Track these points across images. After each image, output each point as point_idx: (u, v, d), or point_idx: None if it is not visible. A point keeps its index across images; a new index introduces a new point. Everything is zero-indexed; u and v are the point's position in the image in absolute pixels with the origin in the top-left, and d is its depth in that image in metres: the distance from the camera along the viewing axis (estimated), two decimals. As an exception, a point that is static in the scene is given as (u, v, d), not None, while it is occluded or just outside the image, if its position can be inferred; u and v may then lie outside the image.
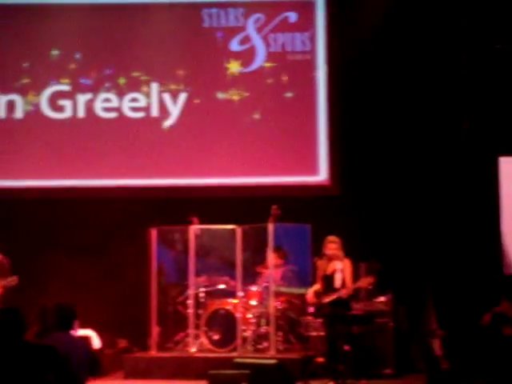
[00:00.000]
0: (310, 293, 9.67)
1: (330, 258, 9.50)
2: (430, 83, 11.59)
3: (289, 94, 12.11)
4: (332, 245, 9.49)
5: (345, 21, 11.95)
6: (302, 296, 10.32)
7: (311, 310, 9.89)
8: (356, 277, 9.61)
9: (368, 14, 11.69)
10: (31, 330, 6.30)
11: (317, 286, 9.63)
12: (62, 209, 12.17)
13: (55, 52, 12.33)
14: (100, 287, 11.61)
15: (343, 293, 9.23)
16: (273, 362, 8.66)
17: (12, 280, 9.88)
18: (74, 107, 12.34)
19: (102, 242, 11.87)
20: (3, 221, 11.78)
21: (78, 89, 12.35)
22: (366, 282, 9.44)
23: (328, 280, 9.46)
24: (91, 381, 6.85)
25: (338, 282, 9.34)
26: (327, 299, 9.34)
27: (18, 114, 12.35)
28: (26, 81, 12.33)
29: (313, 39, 12.11)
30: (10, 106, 12.35)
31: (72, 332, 6.56)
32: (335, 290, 9.30)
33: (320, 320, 9.91)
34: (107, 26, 12.47)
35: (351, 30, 11.85)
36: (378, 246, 11.10)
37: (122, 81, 12.32)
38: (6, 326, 5.21)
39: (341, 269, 9.40)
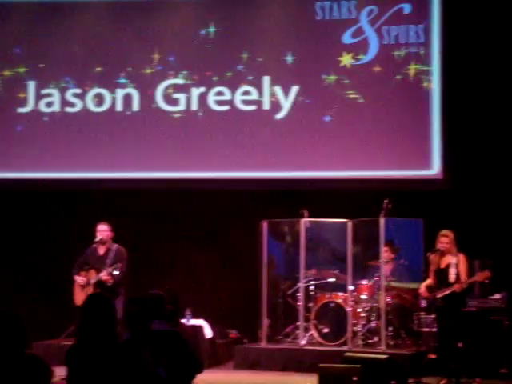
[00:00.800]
0: (423, 287, 9.61)
1: (443, 253, 9.43)
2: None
3: (402, 88, 11.95)
4: (445, 239, 9.41)
5: (461, 12, 11.70)
6: (414, 291, 10.30)
7: (423, 304, 9.78)
8: (470, 273, 9.45)
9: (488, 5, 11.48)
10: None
11: (429, 281, 9.58)
12: (180, 200, 12.29)
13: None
14: (213, 278, 11.80)
15: (457, 287, 9.09)
16: (384, 356, 8.68)
17: (115, 267, 10.18)
18: (188, 100, 12.45)
19: (216, 233, 12.04)
20: (128, 211, 12.02)
21: (192, 82, 12.45)
22: (482, 276, 9.28)
23: (441, 274, 9.38)
24: None
25: (451, 277, 9.22)
26: (440, 294, 9.26)
27: (135, 107, 12.54)
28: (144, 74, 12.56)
29: (427, 31, 11.93)
30: (128, 99, 12.55)
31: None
32: (449, 285, 9.19)
33: (432, 315, 9.81)
34: (222, 22, 12.52)
35: (468, 21, 11.63)
36: (491, 242, 10.87)
37: (233, 74, 12.36)
38: None
39: (455, 263, 9.30)
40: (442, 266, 9.39)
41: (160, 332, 5.76)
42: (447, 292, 9.18)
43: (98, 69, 12.61)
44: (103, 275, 10.19)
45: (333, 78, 12.10)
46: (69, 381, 4.93)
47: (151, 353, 5.49)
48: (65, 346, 7.36)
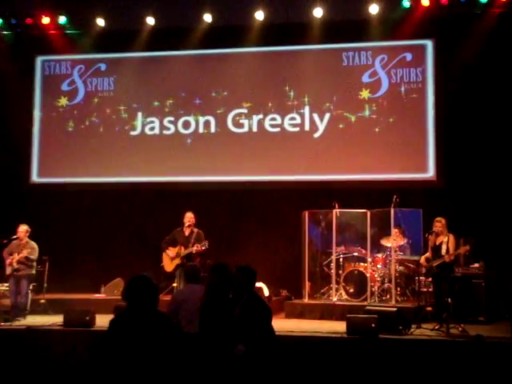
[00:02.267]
0: (423, 259, 9.58)
1: (437, 234, 9.41)
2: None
3: (405, 113, 11.94)
4: (438, 223, 9.39)
5: (449, 58, 11.71)
6: (415, 261, 10.21)
7: (423, 271, 9.78)
8: (457, 248, 9.51)
9: (467, 54, 11.43)
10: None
11: (427, 254, 9.54)
12: (243, 196, 12.39)
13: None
14: (271, 252, 11.68)
15: (447, 257, 9.12)
16: (394, 309, 8.75)
17: (203, 245, 10.11)
18: (250, 124, 12.54)
19: (272, 220, 11.98)
20: (209, 205, 12.04)
21: (253, 111, 12.54)
22: (463, 249, 9.22)
23: (436, 249, 9.37)
24: None
25: (443, 251, 9.23)
26: (435, 263, 9.26)
27: (212, 129, 12.68)
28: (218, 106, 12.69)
29: (424, 72, 11.92)
30: (207, 124, 12.68)
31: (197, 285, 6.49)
32: (441, 257, 9.25)
33: (429, 279, 9.86)
34: (268, 69, 12.60)
35: (454, 64, 11.63)
36: (473, 225, 10.75)
37: (283, 105, 12.41)
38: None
39: (446, 241, 9.30)
40: (437, 243, 9.36)
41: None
42: (440, 262, 9.15)
43: (185, 102, 12.71)
44: (195, 248, 10.07)
45: (355, 106, 12.14)
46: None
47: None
48: (165, 300, 7.40)
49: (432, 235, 9.46)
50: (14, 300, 10.08)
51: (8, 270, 10.12)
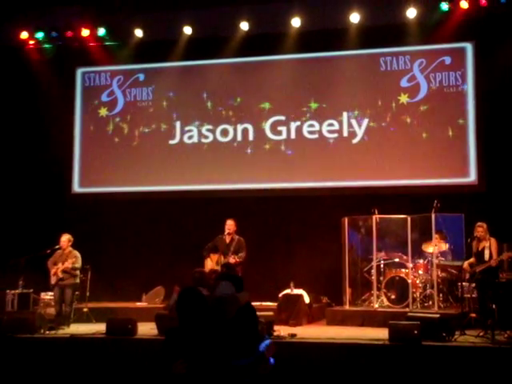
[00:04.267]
0: (466, 264, 9.48)
1: (479, 239, 9.33)
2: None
3: (445, 117, 11.81)
4: (480, 228, 9.32)
5: (489, 61, 11.57)
6: (457, 267, 10.02)
7: (467, 276, 9.64)
8: (500, 253, 9.37)
9: (508, 55, 11.26)
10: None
11: (471, 260, 9.45)
12: (290, 203, 12.34)
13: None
14: (311, 259, 11.55)
15: (493, 262, 9.00)
16: (437, 316, 8.68)
17: (240, 257, 10.17)
18: (288, 131, 12.56)
19: (313, 227, 11.90)
20: (250, 212, 12.07)
21: (290, 118, 12.55)
22: (507, 255, 9.09)
23: (479, 255, 9.28)
24: None
25: (486, 256, 9.14)
26: (479, 268, 9.16)
27: (250, 137, 12.70)
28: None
29: (463, 76, 11.80)
30: (246, 132, 12.74)
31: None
32: (485, 262, 9.10)
33: (473, 285, 9.70)
34: (306, 75, 12.58)
35: (494, 67, 11.47)
36: None
37: (321, 111, 12.38)
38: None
39: (488, 246, 9.20)
40: (479, 248, 9.28)
41: None
42: (484, 267, 9.07)
43: (223, 110, 12.79)
44: (231, 259, 10.11)
45: (394, 111, 12.07)
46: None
47: None
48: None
49: (474, 240, 9.36)
50: (59, 309, 10.28)
51: (53, 280, 10.30)
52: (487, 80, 11.59)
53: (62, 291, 10.27)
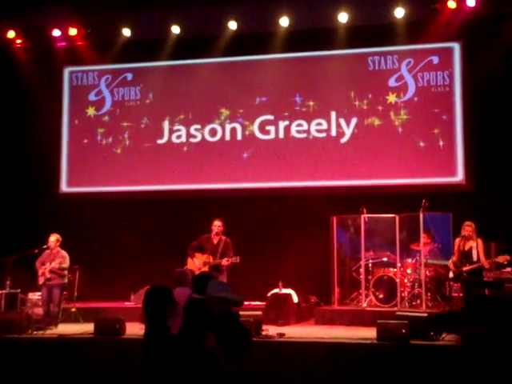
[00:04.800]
0: (450, 263, 9.53)
1: (467, 238, 9.37)
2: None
3: (432, 117, 11.83)
4: (468, 228, 9.38)
5: (477, 60, 11.61)
6: (446, 267, 10.10)
7: (451, 275, 9.67)
8: (487, 253, 9.41)
9: (496, 55, 11.30)
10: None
11: (454, 258, 9.48)
12: (277, 203, 12.31)
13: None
14: (299, 258, 11.57)
15: (486, 264, 9.05)
16: (425, 315, 8.67)
17: (235, 259, 10.08)
18: (277, 131, 12.54)
19: (301, 228, 11.82)
20: (238, 211, 12.08)
21: (279, 118, 12.54)
22: (503, 258, 9.15)
23: (465, 254, 9.31)
24: None
25: (475, 257, 9.19)
26: (467, 268, 9.19)
27: (239, 136, 12.69)
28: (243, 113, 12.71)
29: (451, 75, 11.84)
30: (234, 131, 12.71)
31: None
32: (472, 262, 9.12)
33: (458, 284, 9.74)
34: (294, 75, 12.58)
35: (482, 66, 11.51)
36: (503, 229, 10.59)
37: (309, 111, 12.39)
38: None
39: (475, 246, 9.24)
40: (466, 248, 9.33)
41: None
42: (474, 267, 9.11)
43: (211, 110, 12.74)
44: (224, 262, 10.00)
45: (381, 110, 12.07)
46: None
47: None
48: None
49: (461, 239, 9.40)
50: (47, 309, 10.22)
51: (41, 280, 10.26)
52: (475, 80, 11.63)
53: (50, 291, 10.21)
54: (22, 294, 10.92)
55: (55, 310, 10.25)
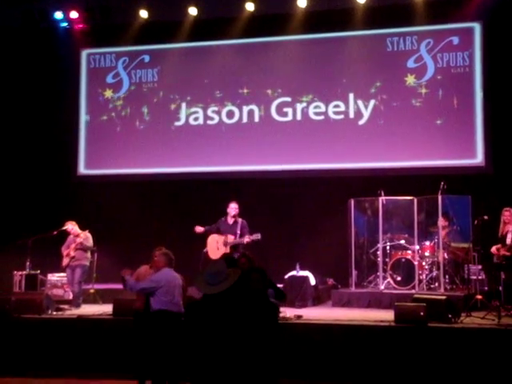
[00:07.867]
0: (494, 248, 9.46)
1: (505, 223, 9.43)
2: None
3: (452, 99, 11.73)
4: (507, 213, 9.44)
5: (497, 41, 11.48)
6: (464, 249, 10.07)
7: (496, 260, 9.54)
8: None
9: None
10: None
11: (498, 245, 9.47)
12: (295, 185, 12.26)
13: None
14: (317, 241, 11.56)
15: None
16: (443, 297, 8.59)
17: (256, 236, 9.98)
18: (294, 113, 12.53)
19: (319, 210, 11.82)
20: (255, 194, 12.08)
21: (296, 100, 12.51)
22: None
23: (501, 239, 9.34)
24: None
25: (508, 241, 9.22)
26: (503, 252, 9.22)
27: (256, 119, 12.67)
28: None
29: (471, 56, 11.70)
30: (251, 113, 12.69)
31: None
32: (506, 246, 9.12)
33: (479, 266, 9.69)
34: (311, 56, 12.53)
35: (502, 47, 11.40)
36: None
37: (327, 93, 12.33)
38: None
39: (511, 230, 9.25)
40: (503, 233, 9.38)
41: None
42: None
43: (229, 92, 12.73)
44: (246, 239, 9.86)
45: (400, 92, 11.98)
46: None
47: None
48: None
49: (502, 224, 9.42)
50: (73, 289, 10.46)
51: (65, 261, 10.41)
52: (495, 60, 11.50)
53: (73, 271, 10.39)
54: (42, 275, 11.05)
55: (75, 289, 10.39)
